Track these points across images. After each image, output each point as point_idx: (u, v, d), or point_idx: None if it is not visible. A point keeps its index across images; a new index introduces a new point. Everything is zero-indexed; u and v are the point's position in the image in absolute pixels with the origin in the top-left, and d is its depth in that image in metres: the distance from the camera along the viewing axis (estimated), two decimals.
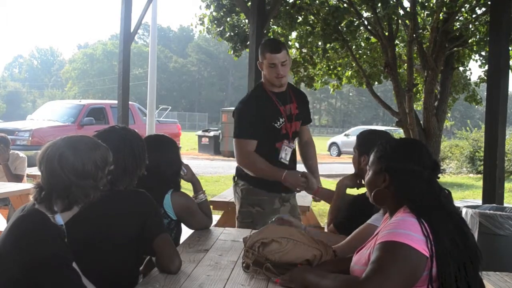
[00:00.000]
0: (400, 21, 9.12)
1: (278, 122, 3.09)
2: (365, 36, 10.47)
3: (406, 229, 1.56)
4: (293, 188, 3.07)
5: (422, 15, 9.58)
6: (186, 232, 2.76)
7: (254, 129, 3.06)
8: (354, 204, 2.70)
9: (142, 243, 2.04)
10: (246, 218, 3.14)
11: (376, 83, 10.71)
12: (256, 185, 3.13)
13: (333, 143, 25.10)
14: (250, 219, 3.12)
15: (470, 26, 9.34)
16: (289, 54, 3.16)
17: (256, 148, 3.11)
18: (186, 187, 2.80)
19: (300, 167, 3.28)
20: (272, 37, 9.48)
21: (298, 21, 9.42)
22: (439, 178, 1.73)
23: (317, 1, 9.25)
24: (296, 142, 3.24)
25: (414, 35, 8.93)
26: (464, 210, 4.08)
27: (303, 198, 3.98)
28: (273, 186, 3.10)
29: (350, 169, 2.99)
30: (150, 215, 2.05)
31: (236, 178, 3.25)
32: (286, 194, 3.19)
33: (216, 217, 4.50)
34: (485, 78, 9.82)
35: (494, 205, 4.40)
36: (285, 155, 3.12)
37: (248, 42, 7.59)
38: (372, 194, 1.78)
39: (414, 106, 9.78)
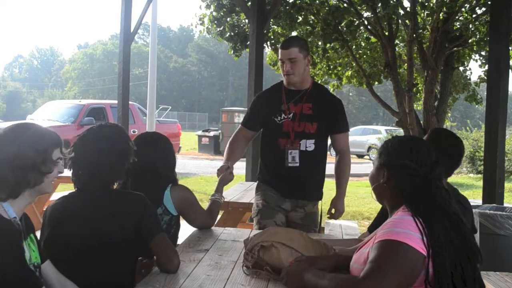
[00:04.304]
0: (400, 21, 9.11)
1: (279, 117, 3.05)
2: (365, 36, 10.46)
3: (404, 228, 1.56)
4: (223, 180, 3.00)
5: (422, 15, 9.57)
6: (186, 231, 2.76)
7: (250, 119, 3.21)
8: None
9: (139, 244, 2.04)
10: (254, 213, 3.18)
11: (376, 83, 10.71)
12: (264, 181, 3.18)
13: None
14: (256, 212, 3.15)
15: (470, 26, 9.33)
16: (307, 53, 3.05)
17: (262, 143, 3.21)
18: (192, 187, 2.80)
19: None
20: (280, 36, 9.50)
21: (298, 21, 9.41)
22: (440, 178, 1.73)
23: (317, 1, 9.24)
24: (307, 143, 3.06)
25: (414, 35, 8.92)
26: None
27: None
28: (282, 188, 3.10)
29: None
30: (145, 217, 2.06)
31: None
32: (301, 200, 3.13)
33: None
34: (485, 78, 9.82)
35: (494, 205, 4.40)
36: (292, 159, 3.03)
37: (248, 42, 7.59)
38: (372, 189, 1.80)
39: (414, 106, 9.77)
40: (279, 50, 3.08)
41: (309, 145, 3.05)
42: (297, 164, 3.02)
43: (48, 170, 1.78)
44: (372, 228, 2.71)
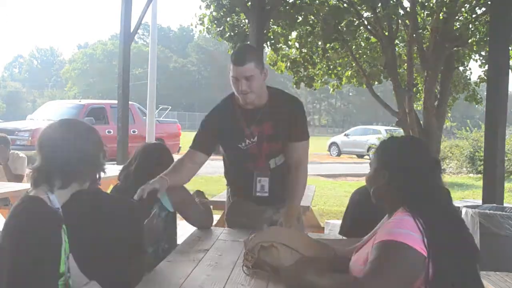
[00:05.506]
0: (400, 21, 9.12)
1: (243, 144, 2.73)
2: (365, 36, 10.47)
3: (405, 228, 1.56)
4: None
5: (422, 15, 9.58)
6: (186, 232, 2.76)
7: (204, 142, 2.77)
8: (353, 201, 2.68)
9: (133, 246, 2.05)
10: (232, 227, 2.96)
11: (376, 83, 10.71)
12: (243, 197, 2.90)
13: (333, 143, 25.09)
14: (236, 228, 2.92)
15: (470, 26, 9.33)
16: (263, 66, 2.65)
17: (227, 163, 2.93)
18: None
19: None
20: (280, 36, 9.46)
21: (298, 21, 9.42)
22: (440, 178, 1.73)
23: (317, 1, 9.24)
24: (276, 160, 2.80)
25: (414, 35, 8.92)
26: (464, 210, 4.09)
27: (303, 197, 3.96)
28: (261, 200, 2.83)
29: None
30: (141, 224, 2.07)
31: (226, 182, 3.05)
32: (280, 204, 2.87)
33: (216, 217, 4.50)
34: (485, 78, 9.82)
35: (494, 205, 4.40)
36: (261, 188, 2.74)
37: (248, 42, 7.59)
38: (372, 190, 1.80)
39: (414, 106, 9.78)
40: (231, 66, 2.59)
41: (278, 161, 2.80)
42: (266, 194, 2.75)
43: (104, 167, 1.88)
44: (347, 231, 2.64)
